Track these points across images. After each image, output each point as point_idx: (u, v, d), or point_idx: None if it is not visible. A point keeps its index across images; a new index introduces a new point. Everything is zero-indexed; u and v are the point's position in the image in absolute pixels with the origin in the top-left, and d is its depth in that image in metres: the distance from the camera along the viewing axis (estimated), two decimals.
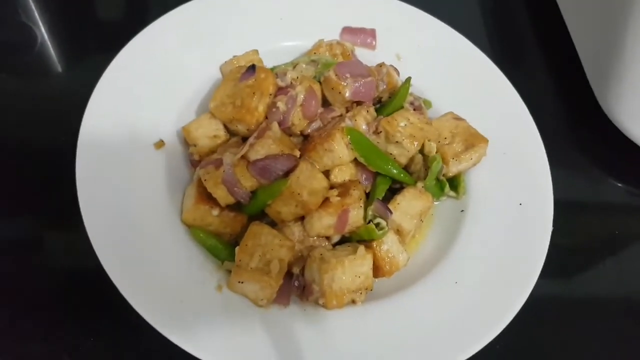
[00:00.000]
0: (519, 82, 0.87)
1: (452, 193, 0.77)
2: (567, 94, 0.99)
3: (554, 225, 0.73)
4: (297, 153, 0.68)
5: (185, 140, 0.73)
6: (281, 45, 0.85)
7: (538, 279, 0.68)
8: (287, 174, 0.66)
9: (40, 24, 0.91)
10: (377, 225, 0.67)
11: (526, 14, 1.10)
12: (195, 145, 0.71)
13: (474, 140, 0.75)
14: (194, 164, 0.72)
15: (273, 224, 0.69)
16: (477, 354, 0.63)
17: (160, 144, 0.71)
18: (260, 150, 0.65)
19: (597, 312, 0.77)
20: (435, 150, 0.72)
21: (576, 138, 0.95)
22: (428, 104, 0.83)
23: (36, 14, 0.92)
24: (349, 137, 0.68)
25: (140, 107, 0.73)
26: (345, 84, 0.72)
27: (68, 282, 0.68)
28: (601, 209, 0.89)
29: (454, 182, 0.76)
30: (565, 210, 0.81)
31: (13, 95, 0.82)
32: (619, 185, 0.91)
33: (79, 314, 0.66)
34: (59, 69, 0.87)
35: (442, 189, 0.75)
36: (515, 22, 1.09)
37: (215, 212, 0.66)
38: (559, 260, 0.77)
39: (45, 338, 0.64)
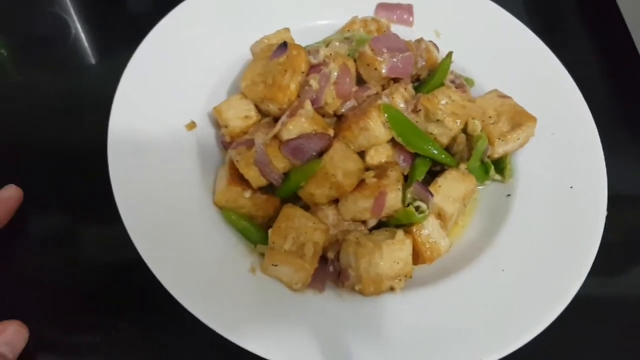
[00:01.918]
0: (565, 58, 0.81)
1: (497, 176, 0.72)
2: (617, 71, 0.92)
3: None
4: (331, 132, 0.65)
5: (217, 121, 0.71)
6: (313, 24, 0.81)
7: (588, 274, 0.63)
8: (320, 154, 0.63)
9: (74, 14, 0.91)
10: (417, 208, 0.63)
11: None
12: (226, 127, 0.69)
13: (521, 119, 0.70)
14: (225, 145, 0.70)
15: (306, 208, 0.66)
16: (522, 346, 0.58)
17: (191, 125, 0.70)
18: (293, 129, 0.62)
19: None
20: (480, 128, 0.67)
21: (629, 120, 0.88)
22: (470, 82, 0.78)
23: (69, 5, 0.92)
24: (385, 115, 0.64)
25: (170, 90, 0.72)
26: (381, 59, 0.68)
27: (102, 267, 0.68)
28: None
29: (500, 165, 0.71)
30: (617, 199, 0.75)
31: (48, 87, 0.82)
32: None
33: (112, 298, 0.66)
34: (94, 59, 0.87)
35: (487, 172, 0.71)
36: None
37: (248, 194, 0.64)
38: (608, 255, 0.70)
39: (79, 322, 0.64)
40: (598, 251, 0.65)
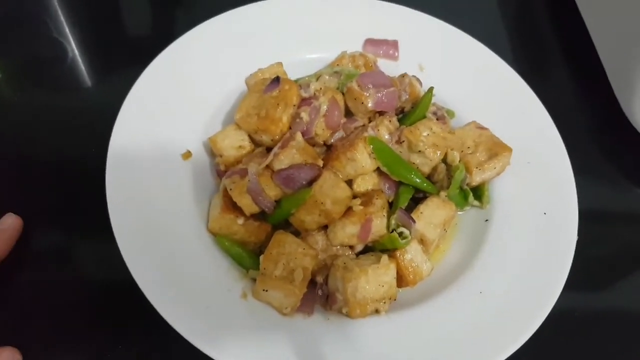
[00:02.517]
0: (542, 90, 0.86)
1: (476, 202, 0.76)
2: (592, 102, 0.98)
3: (579, 235, 0.72)
4: (320, 162, 0.69)
5: (212, 150, 0.75)
6: (305, 57, 0.86)
7: (563, 289, 0.67)
8: (310, 183, 0.67)
9: (71, 38, 0.95)
10: (401, 234, 0.67)
11: (549, 23, 1.09)
12: (221, 156, 0.73)
13: (497, 149, 0.75)
14: (220, 174, 0.74)
15: (297, 233, 0.69)
16: None
17: (187, 155, 0.73)
18: (284, 160, 0.66)
19: (624, 325, 0.76)
20: (458, 159, 0.72)
21: (602, 147, 0.94)
22: (451, 114, 0.83)
23: (67, 29, 0.96)
24: (371, 146, 0.69)
25: (168, 119, 0.76)
26: (367, 94, 0.73)
27: (97, 291, 0.70)
28: (628, 219, 0.87)
29: (478, 192, 0.76)
30: (591, 220, 0.80)
31: (44, 108, 0.85)
32: None
33: (107, 321, 0.68)
34: (89, 82, 0.91)
35: (465, 198, 0.75)
36: (538, 31, 1.09)
37: (241, 221, 0.67)
38: (584, 271, 0.75)
39: (74, 346, 0.66)
40: (580, 266, 0.69)
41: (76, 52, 0.93)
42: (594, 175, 0.89)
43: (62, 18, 0.97)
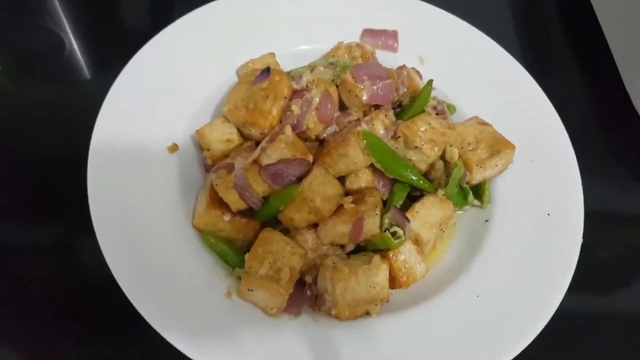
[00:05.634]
0: (549, 85, 0.82)
1: (476, 202, 0.73)
2: (601, 98, 0.94)
3: (586, 237, 0.68)
4: (310, 158, 0.66)
5: (200, 144, 0.72)
6: (299, 48, 0.83)
7: (570, 293, 0.64)
8: (300, 179, 0.64)
9: (69, 29, 0.93)
10: (394, 234, 0.64)
11: (557, 14, 1.05)
12: (208, 150, 0.70)
13: (500, 146, 0.71)
14: (207, 168, 0.71)
15: (286, 232, 0.67)
16: None
17: (173, 148, 0.71)
18: (272, 154, 0.63)
19: (632, 329, 0.72)
20: (457, 156, 0.68)
21: (611, 145, 0.90)
22: (452, 108, 0.80)
23: (64, 20, 0.93)
24: (364, 141, 0.65)
25: (155, 111, 0.73)
26: (362, 86, 0.69)
27: (78, 288, 0.68)
28: (637, 220, 0.83)
29: (479, 191, 0.72)
30: (599, 222, 0.76)
31: (42, 101, 0.83)
32: None
33: (87, 319, 0.66)
34: (87, 75, 0.88)
35: (465, 197, 0.72)
36: (545, 23, 1.04)
37: (227, 217, 0.65)
38: (591, 274, 0.71)
39: (53, 343, 0.64)
40: (584, 269, 0.65)
41: (74, 43, 0.91)
42: (601, 175, 0.86)
43: (58, 8, 0.94)
